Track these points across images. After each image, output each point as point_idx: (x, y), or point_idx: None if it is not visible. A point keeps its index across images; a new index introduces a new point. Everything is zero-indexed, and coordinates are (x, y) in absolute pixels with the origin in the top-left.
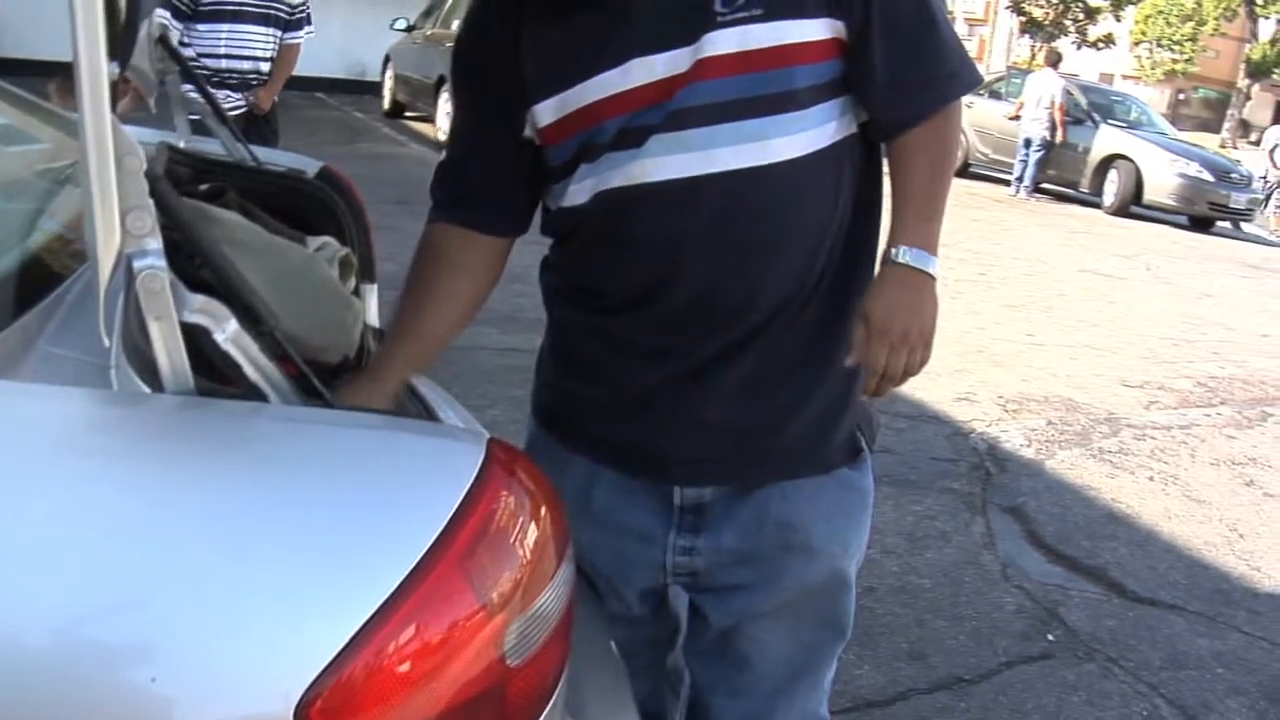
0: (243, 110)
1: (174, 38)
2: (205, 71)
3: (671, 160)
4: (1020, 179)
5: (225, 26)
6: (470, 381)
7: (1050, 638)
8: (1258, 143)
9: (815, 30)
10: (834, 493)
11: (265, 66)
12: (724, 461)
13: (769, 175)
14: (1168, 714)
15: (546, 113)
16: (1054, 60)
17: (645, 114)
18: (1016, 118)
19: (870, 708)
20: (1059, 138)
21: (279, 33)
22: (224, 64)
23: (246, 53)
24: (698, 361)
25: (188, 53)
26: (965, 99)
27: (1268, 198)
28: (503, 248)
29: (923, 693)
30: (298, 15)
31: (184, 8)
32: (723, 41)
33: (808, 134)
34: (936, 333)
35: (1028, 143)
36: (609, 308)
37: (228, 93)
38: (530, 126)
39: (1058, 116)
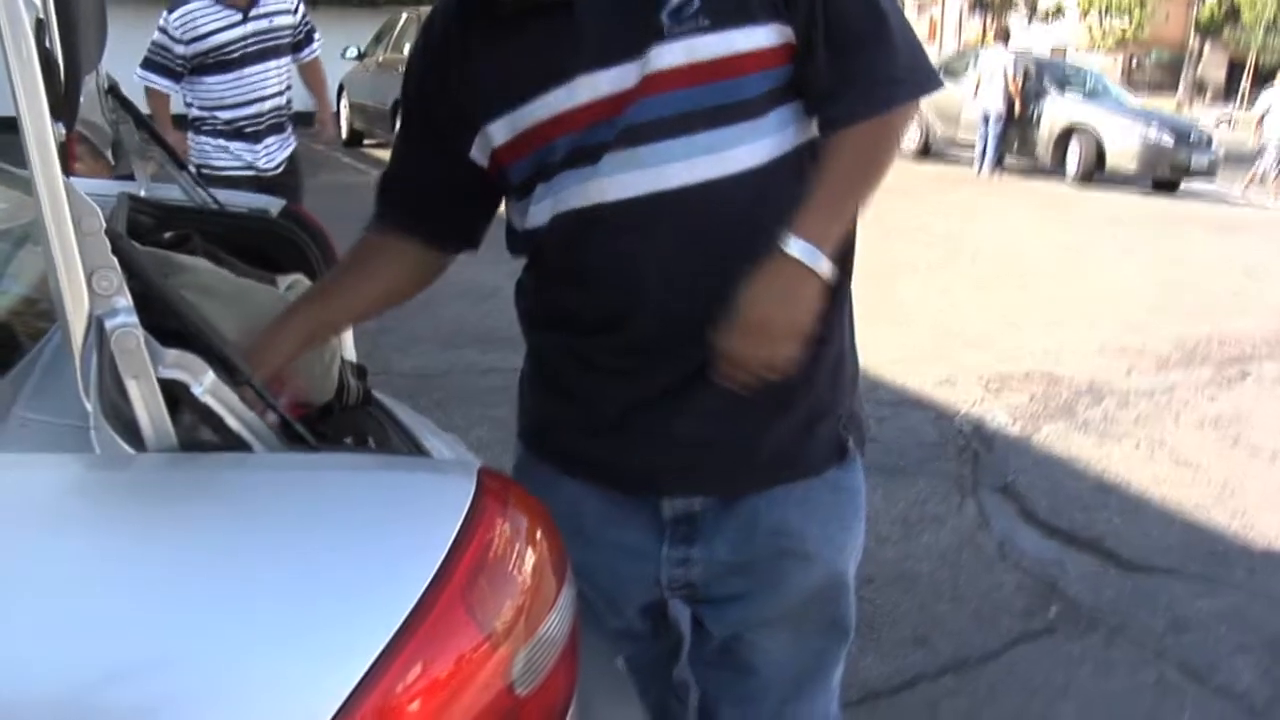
0: (290, 153)
1: (175, 100)
2: (219, 122)
3: (625, 179)
4: (983, 156)
5: (231, 75)
6: (454, 404)
7: (1052, 613)
8: (1213, 101)
9: (765, 37)
10: (824, 495)
11: (284, 100)
12: (709, 472)
13: (727, 187)
14: (1175, 678)
15: (499, 133)
16: (1004, 35)
17: (596, 131)
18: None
19: (878, 698)
20: (1017, 110)
21: (286, 60)
22: (243, 111)
23: (260, 94)
24: (674, 380)
25: (196, 111)
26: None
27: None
28: (437, 263)
29: (930, 678)
30: (301, 34)
31: (178, 68)
32: (670, 55)
33: (765, 142)
34: (803, 329)
35: (986, 119)
36: (579, 331)
37: (267, 140)
38: (481, 148)
39: (1012, 88)
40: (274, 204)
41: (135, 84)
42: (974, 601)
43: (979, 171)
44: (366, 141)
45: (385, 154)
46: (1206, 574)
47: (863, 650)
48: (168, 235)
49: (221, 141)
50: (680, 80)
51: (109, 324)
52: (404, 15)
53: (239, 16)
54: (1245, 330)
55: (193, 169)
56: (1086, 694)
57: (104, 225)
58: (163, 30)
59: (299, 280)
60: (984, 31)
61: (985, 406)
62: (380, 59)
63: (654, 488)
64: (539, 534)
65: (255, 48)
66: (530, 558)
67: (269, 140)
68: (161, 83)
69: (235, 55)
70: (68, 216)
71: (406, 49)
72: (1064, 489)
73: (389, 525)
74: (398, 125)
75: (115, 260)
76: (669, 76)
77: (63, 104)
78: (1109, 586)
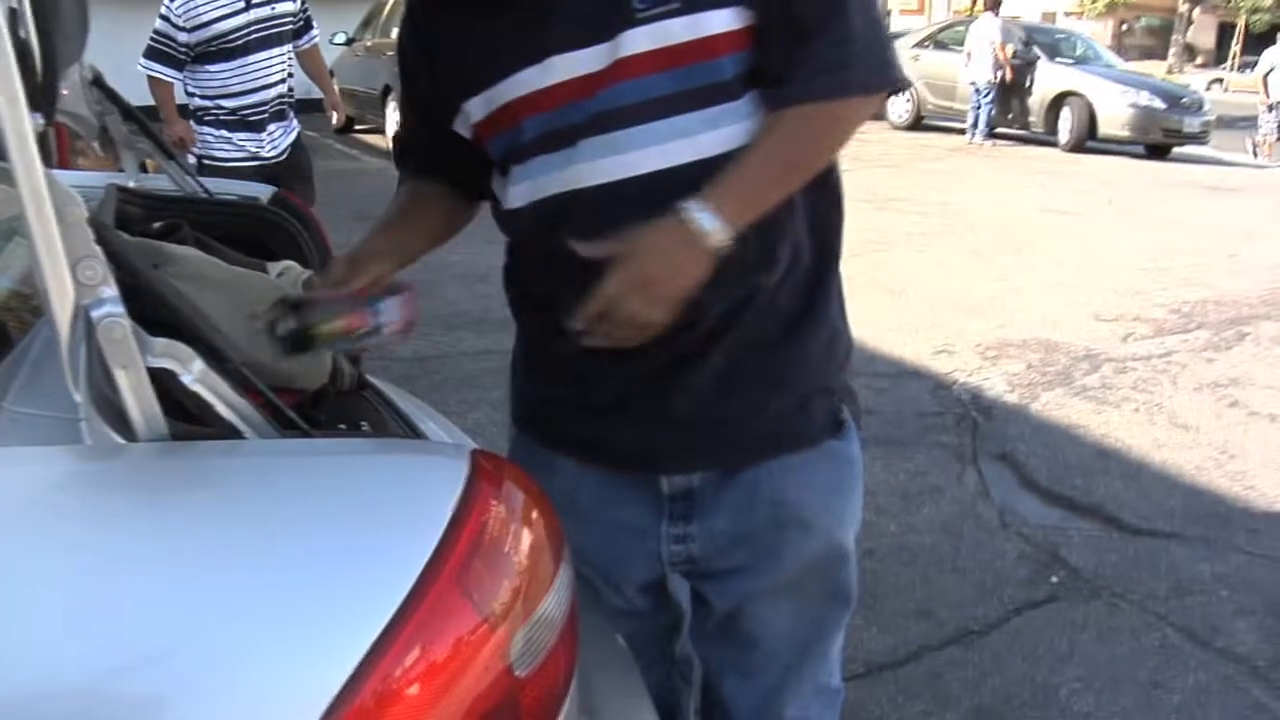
0: (294, 138)
1: (178, 89)
2: (223, 112)
3: (601, 164)
4: (975, 125)
5: (234, 63)
6: (450, 388)
7: (1054, 580)
8: (1204, 65)
9: (735, 18)
10: (821, 464)
11: (287, 87)
12: (706, 448)
13: (704, 171)
14: (1178, 641)
15: (476, 109)
16: (993, 4)
17: (567, 113)
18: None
19: (883, 670)
20: (1007, 78)
21: (288, 48)
22: (246, 99)
23: (263, 82)
24: (665, 360)
25: (199, 101)
26: (911, 53)
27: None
28: (468, 204)
29: (934, 649)
30: (300, 21)
31: (182, 55)
32: (642, 39)
33: (743, 124)
34: (676, 292)
35: (977, 89)
36: (563, 313)
37: (271, 128)
38: (463, 124)
39: (1002, 57)
40: (264, 191)
41: (128, 74)
42: (976, 571)
43: (970, 140)
44: (358, 127)
45: (377, 139)
46: (1208, 537)
47: (866, 623)
48: (157, 225)
49: (224, 132)
50: (653, 64)
51: (95, 314)
52: (390, 0)
53: (241, 4)
54: (1242, 291)
55: (194, 160)
56: (1090, 660)
57: (87, 215)
58: (165, 18)
59: (290, 267)
60: (973, 2)
61: (983, 375)
62: (369, 44)
63: (652, 465)
64: (534, 514)
65: (258, 35)
66: (526, 538)
67: (272, 128)
68: (165, 71)
69: (238, 43)
70: (49, 207)
71: (394, 34)
72: (1064, 456)
73: (383, 509)
74: (399, 93)
75: (100, 250)
76: (641, 60)
77: (41, 94)
78: (1111, 552)
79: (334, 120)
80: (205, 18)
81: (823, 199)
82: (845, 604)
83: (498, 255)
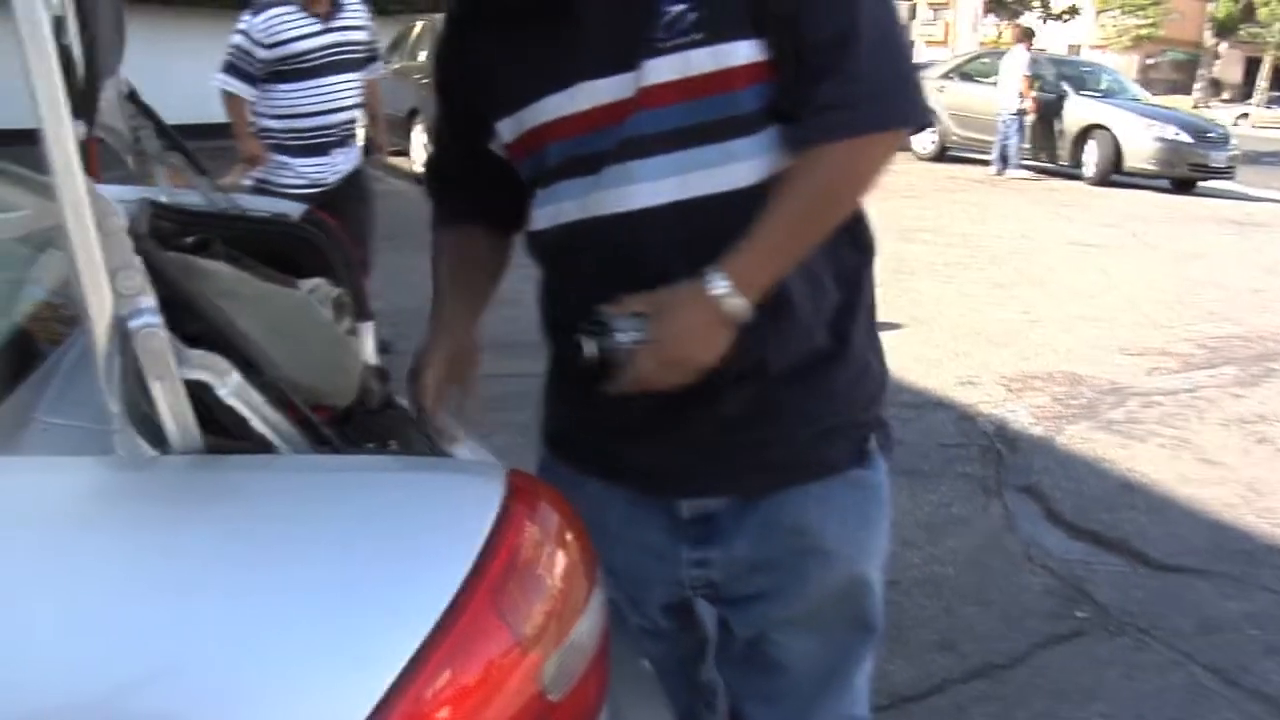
0: (354, 169)
1: (248, 107)
2: (288, 136)
3: (624, 191)
4: (1001, 158)
5: (307, 84)
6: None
7: (1080, 614)
8: (1230, 100)
9: (755, 51)
10: (844, 493)
11: (354, 115)
12: (725, 474)
13: (722, 204)
14: (1205, 680)
15: (506, 130)
16: (1021, 37)
17: (593, 139)
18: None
19: (906, 703)
20: (1028, 110)
21: (359, 75)
22: (315, 121)
23: (333, 105)
24: (688, 387)
25: (265, 122)
26: (936, 85)
27: None
28: (505, 242)
29: (958, 682)
30: (371, 50)
31: (257, 72)
32: (664, 69)
33: (763, 158)
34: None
35: (1004, 121)
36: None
37: (334, 153)
38: (496, 143)
39: (1024, 90)
40: (295, 209)
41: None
42: (1001, 604)
43: (995, 171)
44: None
45: (402, 161)
46: (1235, 574)
47: (890, 655)
48: (189, 240)
49: (285, 158)
50: (674, 94)
51: (133, 324)
52: (419, 24)
53: (319, 25)
54: (1268, 327)
55: (251, 182)
56: (1116, 696)
57: (126, 224)
58: (244, 34)
59: (320, 284)
60: (999, 33)
61: (1008, 406)
62: (396, 66)
63: (672, 489)
64: (569, 536)
65: (333, 58)
66: (561, 560)
67: (335, 153)
68: (241, 88)
69: (313, 64)
70: (90, 216)
71: (421, 57)
72: (1089, 489)
73: (418, 528)
74: (431, 116)
75: (138, 260)
76: (663, 90)
77: (83, 102)
78: (1137, 587)
79: (377, 155)
80: (284, 36)
81: (849, 240)
82: (869, 634)
83: (523, 279)
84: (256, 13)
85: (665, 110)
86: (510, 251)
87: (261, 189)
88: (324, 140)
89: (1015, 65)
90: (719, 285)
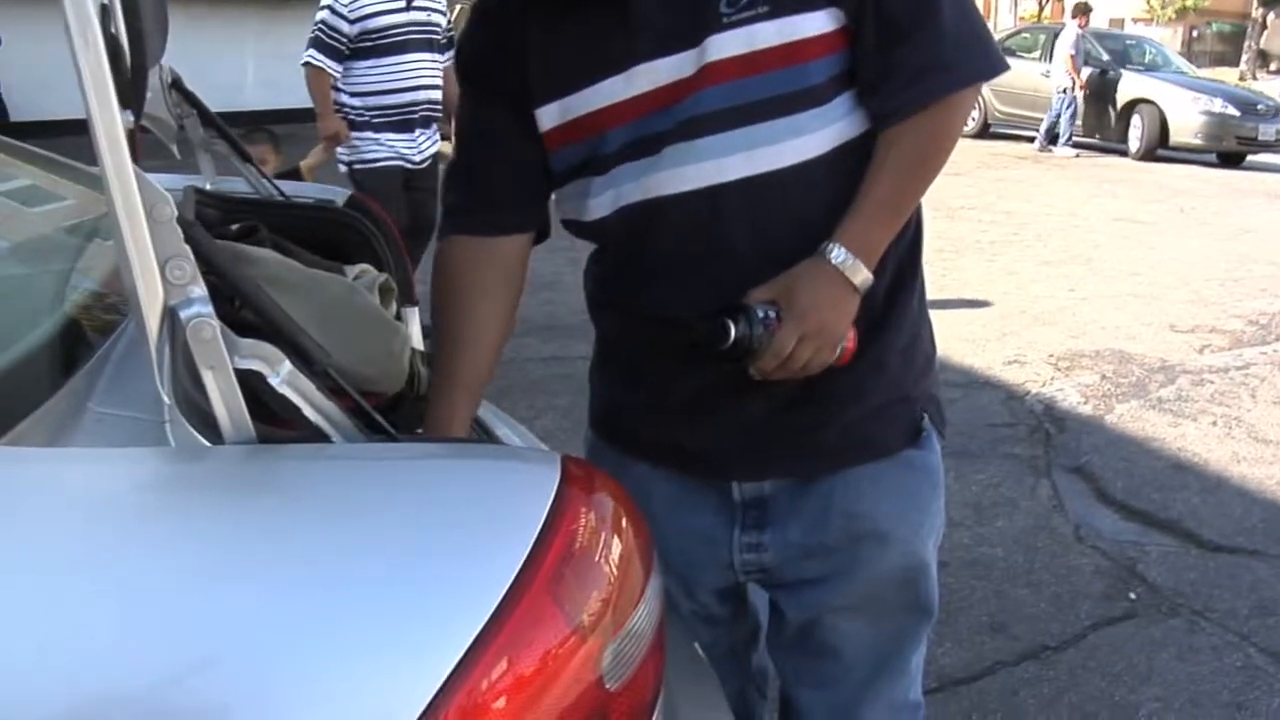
0: (437, 149)
1: (330, 82)
2: (372, 113)
3: (687, 171)
4: (1049, 136)
5: (389, 59)
6: (518, 394)
7: (1132, 596)
8: (1278, 72)
9: (824, 22)
10: (899, 475)
11: (437, 95)
12: (779, 456)
13: (790, 178)
14: (1261, 662)
15: (548, 117)
16: (1077, 13)
17: (651, 121)
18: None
19: (957, 685)
20: (1078, 87)
21: (441, 57)
22: (398, 99)
23: (416, 83)
24: (740, 367)
25: (346, 99)
26: None
27: None
28: (521, 253)
29: (1010, 665)
30: (449, 35)
31: (343, 48)
32: (729, 44)
33: (831, 129)
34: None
35: (1056, 98)
36: (646, 320)
37: (418, 131)
38: (533, 130)
39: (1068, 66)
40: (339, 194)
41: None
42: (1051, 586)
43: (1039, 148)
44: None
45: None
46: None
47: (940, 638)
48: (234, 227)
49: (370, 134)
50: (741, 69)
51: (184, 314)
52: (456, 8)
53: (403, 3)
54: None
55: (344, 169)
56: (1170, 679)
57: (175, 213)
58: (331, 9)
59: (366, 270)
60: (1040, 8)
61: (1056, 385)
62: None
63: (724, 472)
64: (625, 523)
65: (416, 36)
66: (617, 547)
67: (418, 133)
68: (328, 63)
69: (396, 40)
70: (139, 205)
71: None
72: (1140, 469)
73: (473, 516)
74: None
75: (188, 249)
76: (729, 66)
77: (129, 91)
78: (1190, 568)
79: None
80: (368, 10)
81: None
82: (926, 616)
83: (564, 263)
84: None
85: (730, 85)
86: (524, 271)
87: (353, 172)
88: (408, 118)
89: (1063, 42)
90: (838, 254)
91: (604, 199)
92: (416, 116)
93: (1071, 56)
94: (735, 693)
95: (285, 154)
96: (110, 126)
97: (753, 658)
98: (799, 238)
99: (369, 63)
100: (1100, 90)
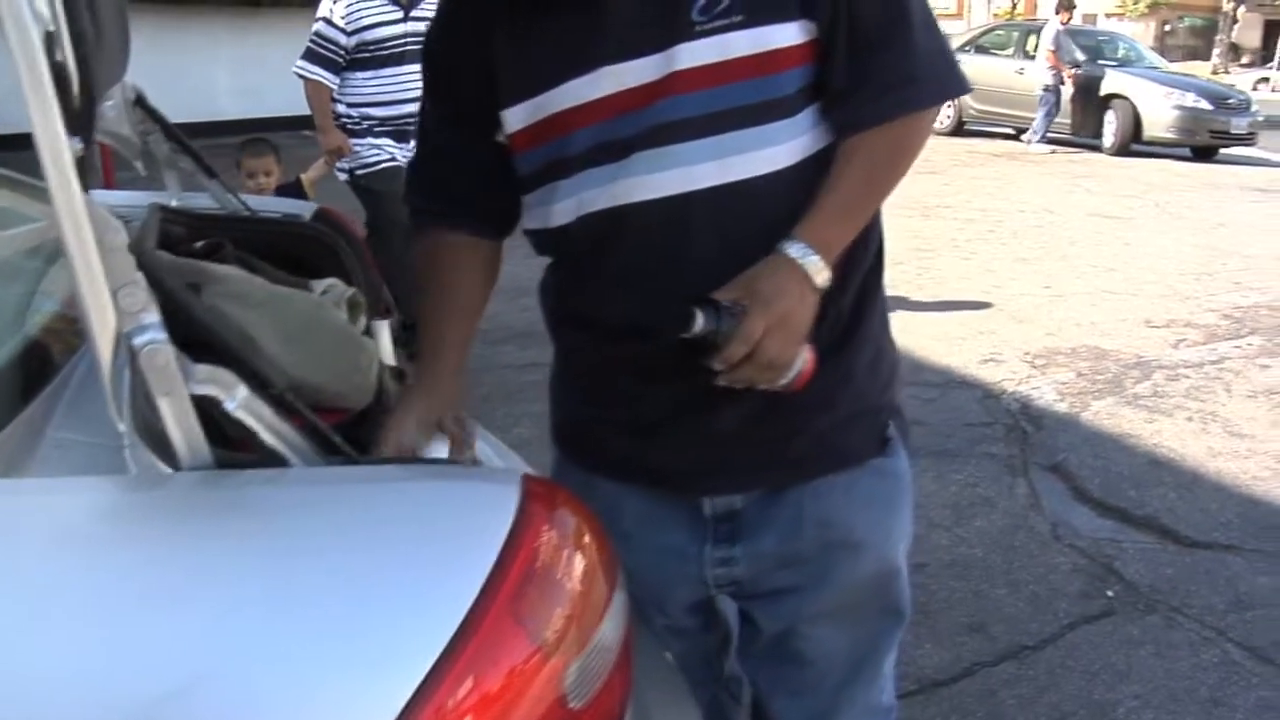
0: None
1: (329, 94)
2: (371, 121)
3: (656, 178)
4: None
5: (386, 71)
6: (494, 401)
7: (1110, 594)
8: (1250, 65)
9: (795, 33)
10: (869, 483)
11: None
12: (748, 470)
13: (760, 187)
14: (1238, 657)
15: (516, 118)
16: (1060, 8)
17: (619, 125)
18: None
19: (937, 687)
20: (1061, 84)
21: None
22: (393, 110)
23: (413, 94)
24: (706, 380)
25: (342, 109)
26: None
27: None
28: (493, 249)
29: (989, 665)
30: None
31: (340, 60)
32: (701, 52)
33: (800, 140)
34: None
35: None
36: (610, 332)
37: (414, 142)
38: (499, 133)
39: (1050, 62)
40: (307, 209)
41: (169, 88)
42: (1029, 585)
43: (1028, 144)
44: None
45: None
46: (1267, 549)
47: (919, 639)
48: (200, 244)
49: (369, 139)
50: (712, 78)
51: (137, 341)
52: None
53: (400, 14)
54: None
55: (345, 176)
56: (1149, 676)
57: (127, 240)
58: (327, 21)
59: (334, 284)
60: (1013, 6)
61: (1032, 384)
62: None
63: (694, 488)
64: (588, 539)
65: (414, 47)
66: (580, 563)
67: (415, 142)
68: (324, 75)
69: (395, 51)
70: (89, 233)
71: None
72: (1116, 466)
73: (434, 537)
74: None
75: (141, 276)
76: (700, 74)
77: (79, 118)
78: (1167, 565)
79: None
80: (366, 21)
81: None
82: (898, 620)
83: (541, 267)
84: None
85: (702, 94)
86: (500, 259)
87: (355, 178)
88: (405, 128)
89: (1046, 39)
90: (797, 249)
91: (569, 204)
92: (412, 127)
93: (1052, 52)
94: (709, 700)
95: (286, 165)
96: (58, 155)
97: (725, 664)
98: (766, 248)
99: (367, 74)
100: (1079, 86)
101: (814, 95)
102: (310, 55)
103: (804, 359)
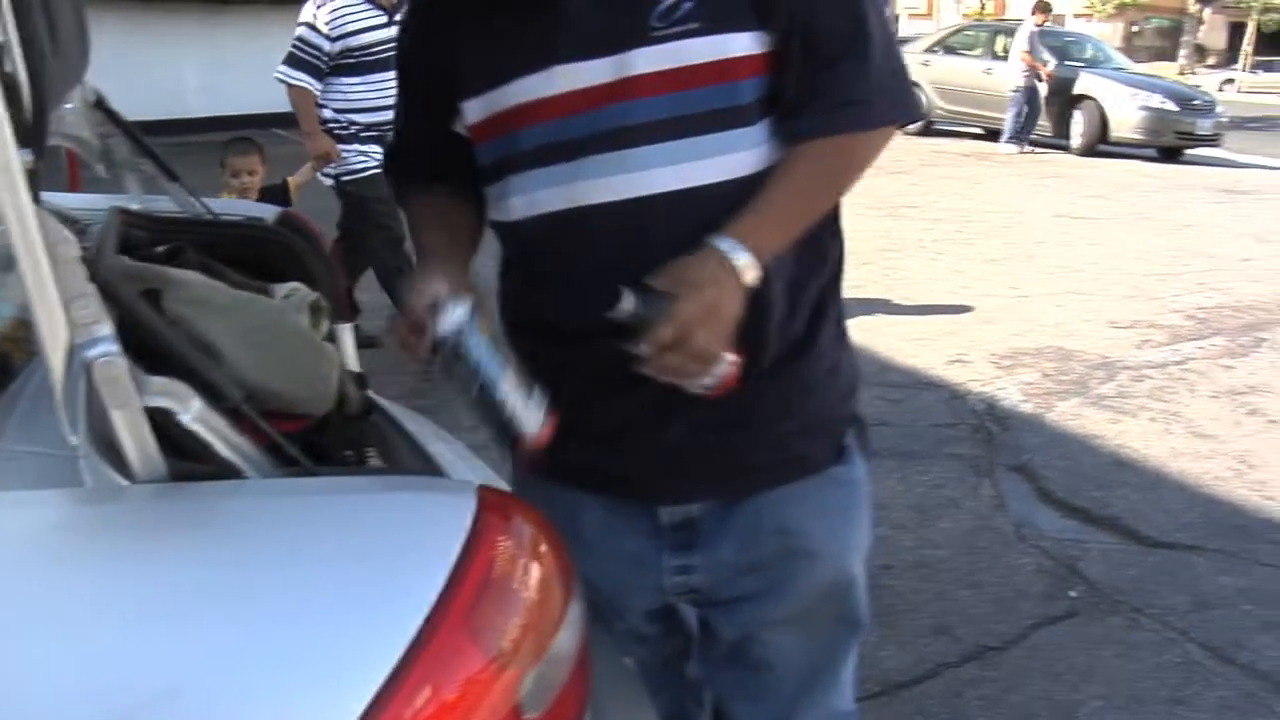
0: None
1: (314, 99)
2: (358, 126)
3: (609, 182)
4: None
5: (372, 77)
6: (460, 401)
7: (1073, 594)
8: (1216, 66)
9: (752, 43)
10: (826, 492)
11: None
12: (704, 479)
13: (715, 194)
14: (1200, 657)
15: (473, 111)
16: (1036, 9)
17: (572, 124)
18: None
19: (900, 689)
20: (1041, 81)
21: None
22: (378, 116)
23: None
24: (663, 390)
25: (327, 114)
26: (920, 59)
27: None
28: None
29: (952, 666)
30: None
31: (323, 65)
32: (656, 58)
33: (756, 150)
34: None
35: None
36: (565, 340)
37: None
38: (460, 124)
39: (1025, 62)
40: (270, 212)
41: (136, 89)
42: (994, 586)
43: (1019, 149)
44: None
45: None
46: (1229, 549)
47: (883, 640)
48: (161, 249)
49: (356, 145)
50: (670, 83)
51: (90, 353)
52: None
53: (385, 18)
54: (1257, 296)
55: (331, 183)
56: (1111, 677)
57: (79, 253)
58: (310, 26)
59: (296, 288)
60: (982, 6)
61: (998, 384)
62: None
63: (649, 496)
64: (544, 549)
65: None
66: (536, 573)
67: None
68: (310, 81)
69: (380, 57)
70: (41, 247)
71: None
72: (1080, 466)
73: (388, 550)
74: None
75: (93, 288)
76: (658, 79)
77: (30, 130)
78: (1130, 565)
79: None
80: (351, 27)
81: (821, 230)
82: (856, 629)
83: None
84: (321, 4)
85: (659, 99)
86: (484, 214)
87: (342, 185)
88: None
89: (1019, 40)
90: (726, 244)
91: (521, 201)
92: None
93: (1026, 53)
94: (672, 703)
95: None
96: (7, 168)
97: (688, 668)
98: None
99: (353, 79)
100: (1067, 88)
101: (772, 106)
102: (293, 61)
103: (728, 362)
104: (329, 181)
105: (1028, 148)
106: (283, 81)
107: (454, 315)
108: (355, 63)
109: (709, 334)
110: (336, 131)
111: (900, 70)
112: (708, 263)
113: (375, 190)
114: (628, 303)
